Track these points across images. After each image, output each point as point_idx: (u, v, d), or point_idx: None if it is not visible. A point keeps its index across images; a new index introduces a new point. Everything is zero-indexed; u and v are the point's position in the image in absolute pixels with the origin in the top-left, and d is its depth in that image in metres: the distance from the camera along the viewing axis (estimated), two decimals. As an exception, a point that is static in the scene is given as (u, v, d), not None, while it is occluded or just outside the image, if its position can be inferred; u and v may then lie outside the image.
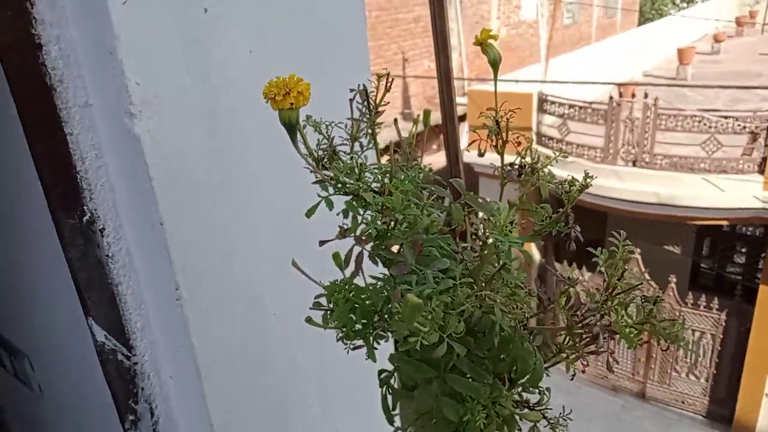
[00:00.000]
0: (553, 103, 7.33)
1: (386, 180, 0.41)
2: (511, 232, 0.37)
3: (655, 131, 6.52)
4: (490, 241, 0.35)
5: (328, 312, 0.47)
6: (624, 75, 10.78)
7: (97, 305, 0.83)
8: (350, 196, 0.42)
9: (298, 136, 0.51)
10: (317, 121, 0.55)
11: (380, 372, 0.61)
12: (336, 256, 0.57)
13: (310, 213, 0.44)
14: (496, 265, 0.38)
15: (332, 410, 1.05)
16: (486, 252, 0.36)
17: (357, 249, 0.43)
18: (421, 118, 0.57)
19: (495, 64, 0.49)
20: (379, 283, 0.44)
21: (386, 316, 0.40)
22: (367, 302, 0.43)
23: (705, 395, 7.33)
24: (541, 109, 7.47)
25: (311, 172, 0.50)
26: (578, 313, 0.51)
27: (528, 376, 0.57)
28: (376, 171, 0.42)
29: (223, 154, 0.80)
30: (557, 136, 7.32)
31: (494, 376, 0.56)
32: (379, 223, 0.39)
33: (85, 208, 0.79)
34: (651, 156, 6.60)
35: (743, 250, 7.64)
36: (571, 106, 7.12)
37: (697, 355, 7.21)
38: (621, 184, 6.70)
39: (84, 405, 1.09)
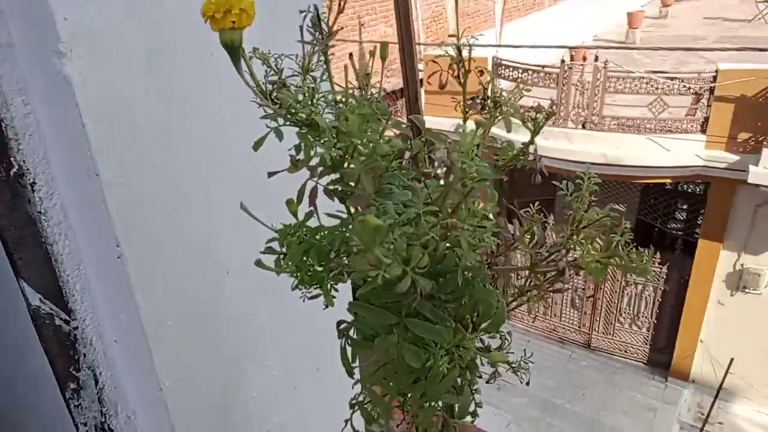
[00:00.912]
0: (507, 67, 7.34)
1: (341, 105, 0.37)
2: (477, 156, 0.34)
3: (604, 94, 6.65)
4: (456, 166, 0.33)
5: (281, 256, 0.43)
6: (576, 39, 10.90)
7: (29, 266, 0.76)
8: (302, 126, 0.38)
9: (244, 66, 0.47)
10: (265, 53, 0.50)
11: (339, 323, 0.59)
12: (290, 202, 0.53)
13: (257, 145, 0.40)
14: (460, 194, 0.35)
15: (291, 368, 1.03)
16: (452, 177, 0.33)
17: (311, 184, 0.39)
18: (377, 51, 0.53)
19: None
20: (336, 221, 0.41)
21: (343, 254, 0.37)
22: (323, 242, 0.40)
23: (646, 344, 7.79)
24: (496, 73, 7.48)
25: (259, 106, 0.46)
26: (542, 251, 0.49)
27: (490, 320, 0.56)
28: (329, 96, 0.38)
29: (166, 96, 0.74)
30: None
31: (456, 320, 0.55)
32: (334, 150, 0.35)
33: (12, 159, 0.72)
34: (600, 118, 6.74)
35: (684, 206, 8.02)
36: (524, 70, 7.15)
37: (639, 306, 7.62)
38: (571, 145, 6.84)
39: (21, 378, 1.03)
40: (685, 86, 5.97)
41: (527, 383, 0.63)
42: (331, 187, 0.39)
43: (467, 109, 0.49)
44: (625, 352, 7.97)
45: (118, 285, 0.77)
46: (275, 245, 0.45)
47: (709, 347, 7.13)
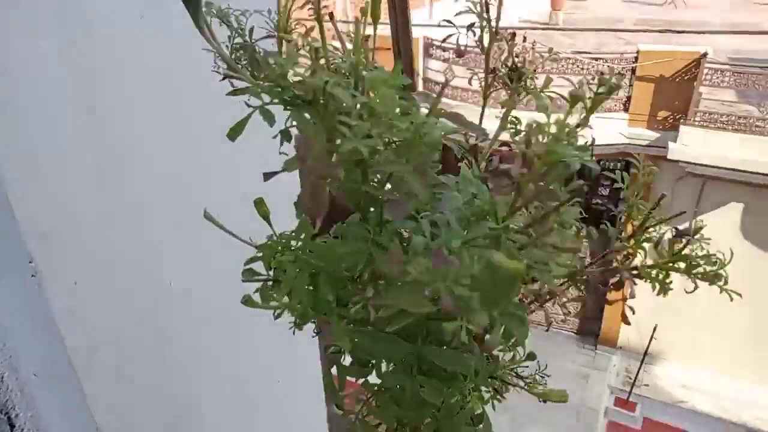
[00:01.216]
0: (438, 47, 7.31)
1: (361, 71, 0.26)
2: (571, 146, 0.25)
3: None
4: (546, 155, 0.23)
5: (269, 283, 0.32)
6: (503, 21, 11.08)
7: None
8: (298, 103, 0.27)
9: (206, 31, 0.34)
10: (224, 9, 0.38)
11: (327, 347, 0.48)
12: (260, 202, 0.42)
13: (234, 133, 0.28)
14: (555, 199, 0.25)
15: (249, 389, 0.91)
16: (542, 171, 0.23)
17: (317, 182, 0.28)
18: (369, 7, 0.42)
19: None
20: (349, 234, 0.30)
21: (374, 284, 0.27)
22: (340, 266, 0.29)
23: (576, 315, 8.16)
24: (428, 54, 7.44)
25: (224, 77, 0.34)
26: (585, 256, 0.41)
27: (514, 336, 0.47)
28: (339, 62, 0.27)
29: (88, 71, 0.59)
30: (443, 81, 7.37)
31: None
32: (371, 135, 0.24)
33: None
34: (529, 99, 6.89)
35: (606, 182, 8.40)
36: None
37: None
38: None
39: None
40: (608, 66, 6.19)
41: (544, 401, 0.55)
42: (349, 185, 0.28)
43: (490, 87, 0.39)
44: (557, 323, 8.33)
45: (33, 308, 0.62)
46: (258, 266, 0.33)
47: (634, 315, 7.58)
